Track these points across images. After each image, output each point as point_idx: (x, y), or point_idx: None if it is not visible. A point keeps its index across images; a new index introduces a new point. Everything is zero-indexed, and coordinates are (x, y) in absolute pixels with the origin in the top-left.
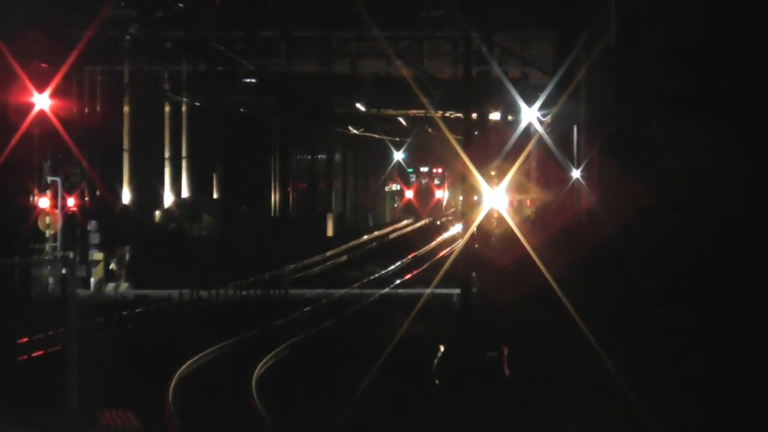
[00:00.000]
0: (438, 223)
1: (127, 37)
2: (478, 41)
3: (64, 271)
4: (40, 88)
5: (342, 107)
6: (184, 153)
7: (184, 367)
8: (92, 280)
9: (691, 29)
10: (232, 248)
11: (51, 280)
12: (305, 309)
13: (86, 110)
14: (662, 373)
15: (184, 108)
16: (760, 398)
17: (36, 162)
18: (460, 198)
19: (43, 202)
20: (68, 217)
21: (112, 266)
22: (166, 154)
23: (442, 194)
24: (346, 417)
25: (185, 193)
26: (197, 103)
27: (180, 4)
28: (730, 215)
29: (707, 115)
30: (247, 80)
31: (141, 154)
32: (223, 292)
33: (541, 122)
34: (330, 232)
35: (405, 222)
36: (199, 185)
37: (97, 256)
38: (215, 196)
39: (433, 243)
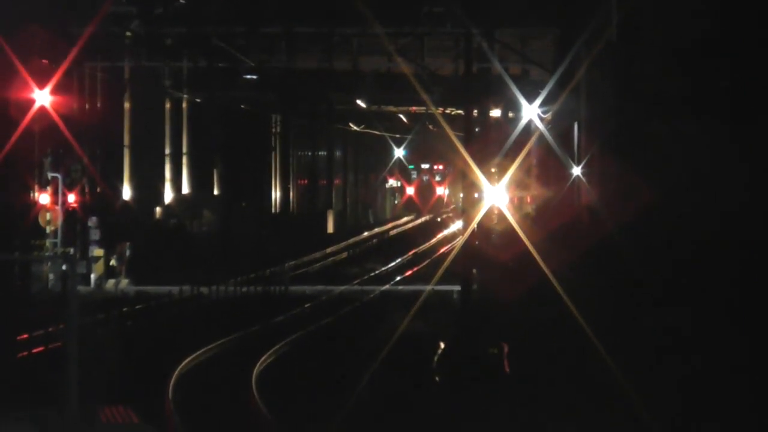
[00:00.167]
0: (438, 220)
1: (128, 34)
2: (478, 38)
3: (64, 267)
4: (41, 85)
5: (343, 104)
6: (184, 149)
7: (184, 363)
8: (92, 276)
9: (692, 27)
10: (232, 245)
11: (51, 276)
12: (305, 306)
13: (87, 106)
14: (662, 373)
15: (184, 104)
16: (760, 398)
17: (36, 158)
18: (461, 195)
19: (44, 198)
20: (69, 213)
21: (113, 262)
22: (167, 151)
23: (443, 191)
24: (346, 414)
25: (186, 189)
26: (198, 100)
27: (181, 0)
28: (731, 214)
29: (708, 114)
30: (248, 77)
31: (141, 150)
32: (223, 288)
33: (541, 119)
34: (330, 229)
35: (405, 219)
36: (200, 182)
37: (98, 252)
38: (216, 192)
39: (434, 240)
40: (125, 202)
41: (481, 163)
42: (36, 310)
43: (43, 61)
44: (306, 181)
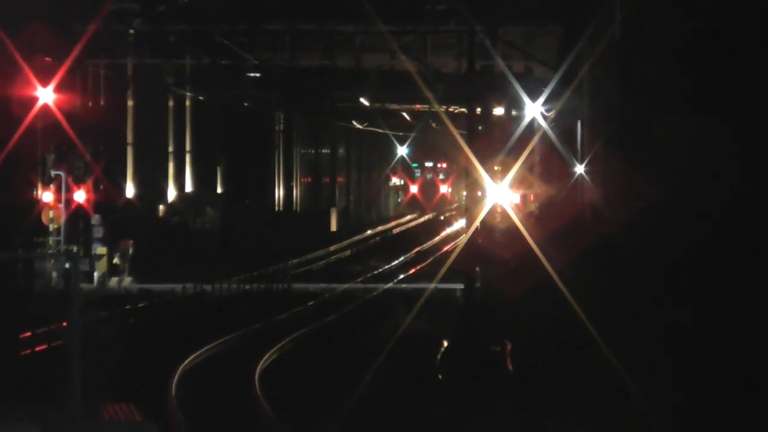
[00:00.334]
0: (442, 217)
1: (131, 31)
2: (482, 35)
3: (67, 265)
4: (44, 82)
5: (346, 101)
6: (187, 147)
7: (187, 361)
8: (95, 274)
9: (695, 25)
10: (235, 242)
11: (54, 274)
12: (308, 303)
13: (90, 104)
14: (663, 371)
15: (187, 102)
16: (761, 397)
17: (39, 156)
18: (464, 193)
19: (47, 195)
20: (74, 210)
21: (116, 260)
22: (170, 148)
23: (446, 189)
24: (349, 412)
25: (189, 187)
26: (201, 97)
27: None
28: (733, 213)
29: (711, 112)
30: (251, 74)
31: (144, 148)
32: (226, 286)
33: (544, 117)
34: (334, 227)
35: (409, 216)
36: (203, 179)
37: (101, 250)
38: (219, 190)
39: (437, 238)
40: (128, 199)
41: (485, 161)
42: (39, 307)
43: (46, 58)
44: (309, 179)
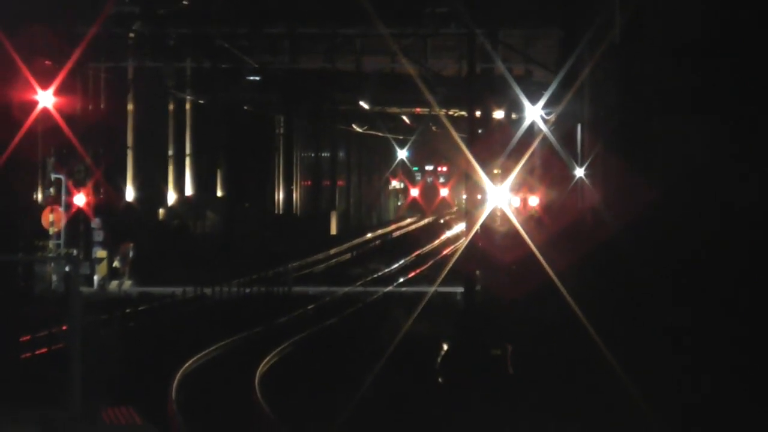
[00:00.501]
0: (441, 221)
1: (131, 34)
2: (482, 38)
3: (67, 268)
4: (44, 85)
5: (346, 104)
6: (188, 150)
7: (187, 364)
8: (96, 277)
9: (696, 26)
10: (235, 245)
11: (54, 277)
12: (309, 306)
13: (90, 107)
14: (663, 373)
15: (188, 105)
16: (762, 399)
17: (40, 159)
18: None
19: (49, 200)
20: (73, 213)
21: (116, 263)
22: (170, 152)
23: (447, 192)
24: (349, 415)
25: (189, 190)
26: (201, 101)
27: (184, 1)
28: (733, 213)
29: (712, 114)
30: (252, 77)
31: (145, 151)
32: (226, 289)
33: (545, 120)
34: (334, 230)
35: (409, 220)
36: (203, 183)
37: (101, 253)
38: (219, 193)
39: (437, 241)
40: (128, 203)
41: (485, 165)
42: (39, 310)
43: (46, 61)
44: (309, 182)
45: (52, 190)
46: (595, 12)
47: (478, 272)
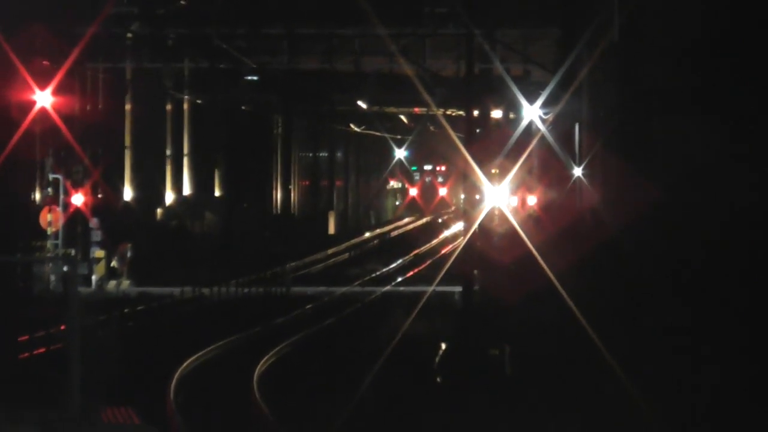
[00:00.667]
0: (440, 221)
1: (129, 34)
2: (480, 38)
3: (65, 268)
4: (42, 85)
5: (344, 104)
6: (186, 150)
7: (185, 364)
8: (94, 277)
9: (696, 26)
10: (233, 245)
11: (53, 277)
12: (307, 306)
13: (88, 108)
14: (663, 373)
15: (186, 105)
16: (762, 399)
17: (38, 159)
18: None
19: (47, 200)
20: (71, 214)
21: (114, 264)
22: (168, 152)
23: (445, 192)
24: (348, 415)
25: (187, 190)
26: (199, 101)
27: (182, 2)
28: (733, 214)
29: (712, 113)
30: (250, 78)
31: (143, 151)
32: (224, 289)
33: (543, 120)
34: (332, 230)
35: (407, 219)
36: (201, 183)
37: (99, 253)
38: (217, 193)
39: (435, 241)
40: (126, 203)
41: (483, 164)
42: (38, 311)
43: (45, 61)
44: (307, 182)
45: (50, 190)
46: (594, 12)
47: (476, 272)
